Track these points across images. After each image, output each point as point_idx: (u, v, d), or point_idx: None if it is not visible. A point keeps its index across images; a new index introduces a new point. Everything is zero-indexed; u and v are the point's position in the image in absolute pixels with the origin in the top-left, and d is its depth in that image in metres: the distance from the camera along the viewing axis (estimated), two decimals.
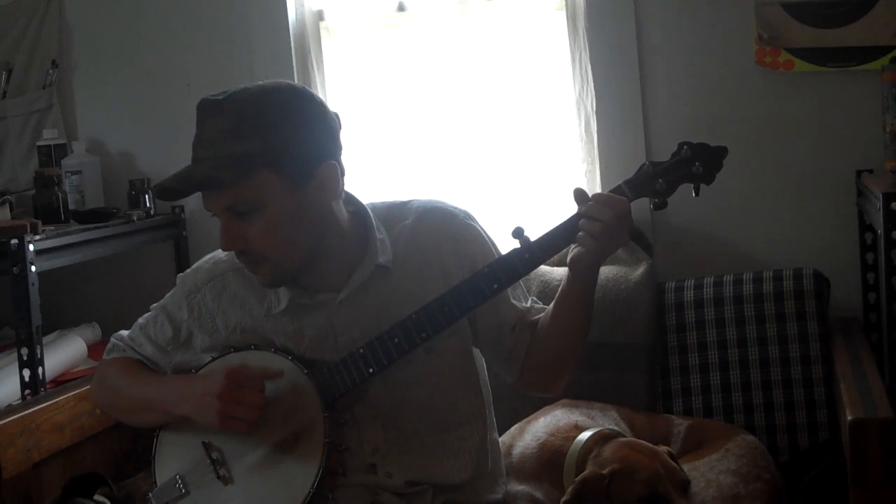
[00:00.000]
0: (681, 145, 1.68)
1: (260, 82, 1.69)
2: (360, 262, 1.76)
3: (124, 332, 1.96)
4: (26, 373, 2.35)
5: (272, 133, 1.63)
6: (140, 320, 1.94)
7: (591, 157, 2.69)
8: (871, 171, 2.43)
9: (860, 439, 1.71)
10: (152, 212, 2.85)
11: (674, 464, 1.83)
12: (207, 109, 1.65)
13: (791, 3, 2.49)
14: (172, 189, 1.67)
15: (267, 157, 1.63)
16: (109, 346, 1.97)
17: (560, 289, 1.74)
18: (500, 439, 2.01)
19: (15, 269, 2.33)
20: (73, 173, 2.81)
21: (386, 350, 1.69)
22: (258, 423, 1.71)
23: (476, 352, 1.87)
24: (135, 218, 2.76)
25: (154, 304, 1.94)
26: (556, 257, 1.73)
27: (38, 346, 2.36)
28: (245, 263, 1.73)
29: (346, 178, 1.74)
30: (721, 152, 1.68)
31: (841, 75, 2.51)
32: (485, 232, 1.85)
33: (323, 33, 2.89)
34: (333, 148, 1.71)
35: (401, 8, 2.83)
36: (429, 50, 2.82)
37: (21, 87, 3.03)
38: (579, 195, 1.65)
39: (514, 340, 1.81)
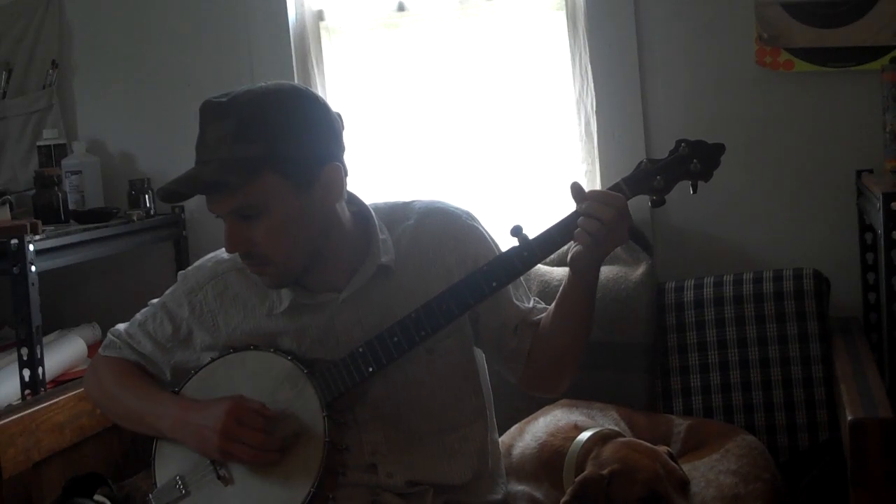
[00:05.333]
0: (678, 143, 1.68)
1: (262, 84, 1.69)
2: (363, 263, 1.76)
3: (121, 327, 1.95)
4: (26, 373, 2.35)
5: (276, 136, 1.63)
6: (138, 316, 1.93)
7: (591, 157, 2.69)
8: (871, 171, 2.43)
9: (860, 439, 1.71)
10: (152, 212, 2.85)
11: (673, 464, 1.83)
12: (210, 112, 1.65)
13: (791, 3, 2.49)
14: (177, 193, 1.67)
15: (272, 160, 1.62)
16: (106, 341, 1.95)
17: (561, 288, 1.75)
18: (500, 439, 2.01)
19: (15, 269, 2.33)
20: (73, 173, 2.81)
21: (385, 349, 1.69)
22: (258, 462, 1.70)
23: (477, 352, 1.87)
24: (135, 218, 2.76)
25: (153, 300, 1.94)
26: (555, 257, 1.73)
27: (38, 346, 2.36)
28: (249, 265, 1.73)
29: (347, 178, 1.74)
30: (719, 149, 1.68)
31: (841, 75, 2.51)
32: (487, 233, 1.85)
33: (323, 33, 2.89)
34: (337, 149, 1.71)
35: (401, 8, 2.83)
36: (429, 50, 2.82)
37: (21, 87, 3.04)
38: (576, 191, 1.65)
39: (516, 341, 1.81)
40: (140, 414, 1.83)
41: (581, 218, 1.63)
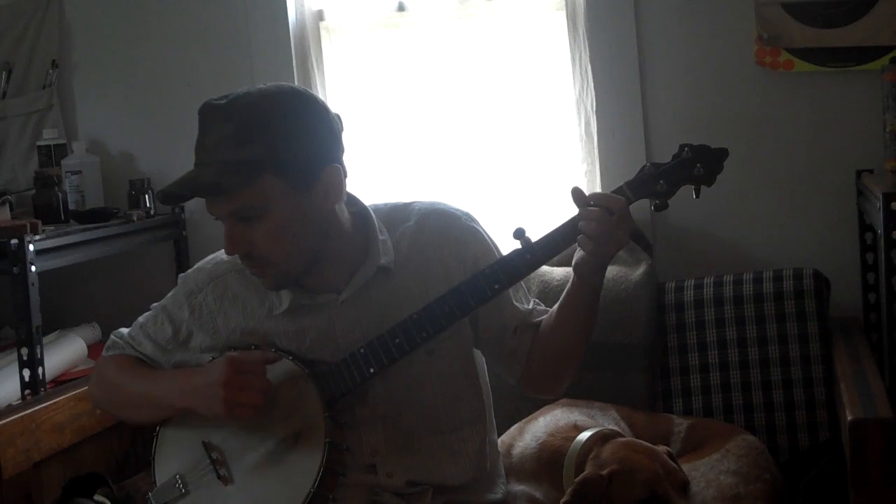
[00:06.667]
0: (682, 147, 1.68)
1: (261, 86, 1.69)
2: (362, 264, 1.76)
3: (124, 330, 1.96)
4: (26, 373, 2.36)
5: (276, 138, 1.63)
6: (140, 319, 1.94)
7: (591, 157, 2.69)
8: (871, 171, 2.43)
9: (860, 439, 1.71)
10: (152, 212, 2.85)
11: (673, 464, 1.83)
12: (210, 114, 1.65)
13: (791, 3, 2.49)
14: (177, 195, 1.68)
15: (271, 162, 1.63)
16: (109, 343, 1.96)
17: (565, 291, 1.75)
18: (501, 439, 2.02)
19: (15, 269, 2.33)
20: (73, 173, 2.81)
21: (387, 350, 1.69)
22: (264, 407, 1.70)
23: (477, 353, 1.87)
24: (135, 218, 2.76)
25: (154, 304, 1.94)
26: (556, 257, 1.73)
27: (38, 346, 2.36)
28: (249, 267, 1.73)
29: (347, 179, 1.74)
30: (722, 154, 1.68)
31: (841, 75, 2.51)
32: (486, 233, 1.85)
33: (323, 33, 2.89)
34: (336, 151, 1.71)
35: (401, 8, 2.83)
36: (429, 50, 2.82)
37: (21, 87, 3.04)
38: (577, 195, 1.65)
39: (516, 342, 1.81)
40: (147, 395, 1.83)
41: (582, 221, 1.63)
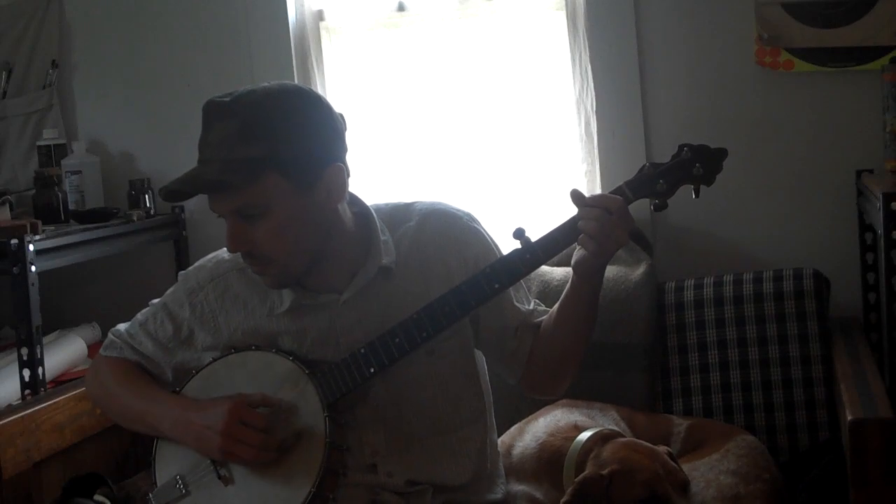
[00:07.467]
0: (681, 147, 1.69)
1: (265, 84, 1.69)
2: (364, 264, 1.76)
3: (122, 327, 1.95)
4: (26, 373, 2.36)
5: (279, 137, 1.63)
6: (139, 316, 1.93)
7: (591, 157, 2.69)
8: (871, 171, 2.43)
9: (860, 439, 1.71)
10: (152, 212, 2.85)
11: (673, 464, 1.83)
12: (213, 112, 1.65)
13: (791, 3, 2.49)
14: (180, 192, 1.67)
15: (274, 160, 1.63)
16: (107, 341, 1.95)
17: (565, 291, 1.75)
18: (501, 439, 2.02)
19: (15, 269, 2.33)
20: (73, 173, 2.81)
21: (387, 350, 1.70)
22: (258, 461, 1.70)
23: (477, 353, 1.88)
24: (135, 218, 2.76)
25: (153, 301, 1.93)
26: (556, 257, 1.73)
27: (38, 346, 2.36)
28: (251, 265, 1.73)
29: (349, 179, 1.73)
30: (721, 154, 1.68)
31: (841, 75, 2.51)
32: (487, 234, 1.85)
33: (323, 33, 2.89)
34: (339, 150, 1.71)
35: (401, 8, 2.83)
36: (429, 50, 2.82)
37: (21, 87, 3.04)
38: (576, 196, 1.66)
39: (517, 343, 1.81)
40: (140, 413, 1.83)
41: (581, 221, 1.63)
